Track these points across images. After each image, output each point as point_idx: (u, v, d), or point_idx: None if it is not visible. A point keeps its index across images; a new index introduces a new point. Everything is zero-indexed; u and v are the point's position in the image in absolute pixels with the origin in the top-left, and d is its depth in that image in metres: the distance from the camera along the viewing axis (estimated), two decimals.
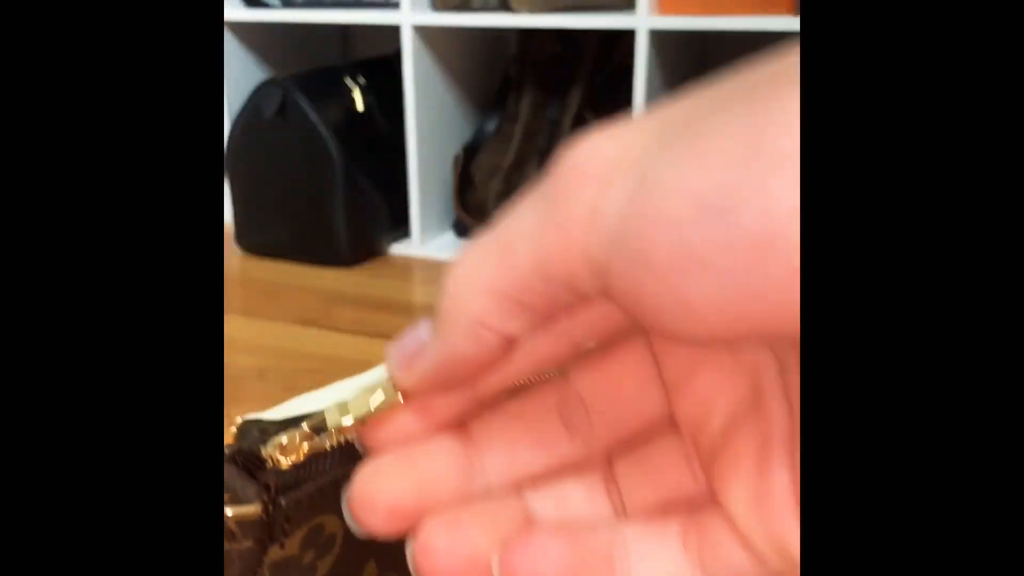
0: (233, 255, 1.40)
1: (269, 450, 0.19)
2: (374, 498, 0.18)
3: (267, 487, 0.19)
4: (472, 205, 1.41)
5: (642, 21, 1.16)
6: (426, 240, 1.42)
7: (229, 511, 0.18)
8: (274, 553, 0.19)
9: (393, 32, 1.34)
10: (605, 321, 0.18)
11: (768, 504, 0.16)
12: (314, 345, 1.06)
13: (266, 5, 1.41)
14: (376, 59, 1.46)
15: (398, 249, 1.43)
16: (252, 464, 0.20)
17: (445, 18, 1.28)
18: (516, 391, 0.19)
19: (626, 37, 1.29)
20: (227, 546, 0.19)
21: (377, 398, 0.17)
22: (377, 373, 0.22)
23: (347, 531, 0.20)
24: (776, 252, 0.13)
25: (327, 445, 0.19)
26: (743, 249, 0.13)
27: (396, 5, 1.31)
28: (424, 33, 1.32)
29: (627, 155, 0.14)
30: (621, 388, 0.19)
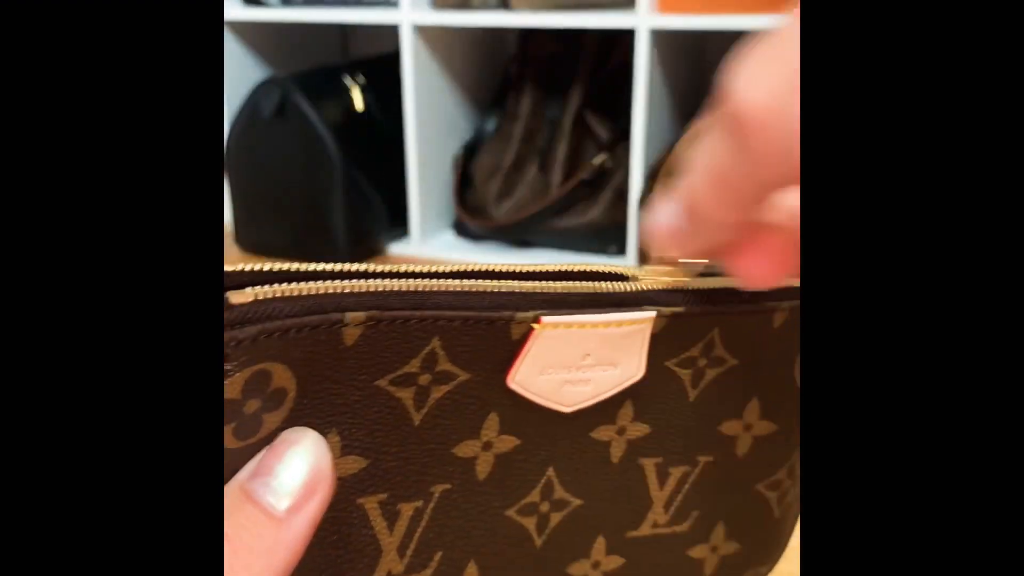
0: (232, 255, 1.40)
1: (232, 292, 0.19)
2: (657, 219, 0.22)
3: None
4: (472, 205, 1.41)
5: (642, 20, 1.16)
6: (425, 239, 1.42)
7: None
8: None
9: (392, 31, 1.34)
10: None
11: None
12: None
13: (265, 4, 1.41)
14: (375, 58, 1.46)
15: (397, 249, 1.43)
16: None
17: (445, 17, 1.28)
18: None
19: (626, 36, 1.29)
20: None
21: None
22: None
23: (300, 391, 0.20)
24: None
25: (289, 292, 0.19)
26: None
27: (395, 4, 1.31)
28: (423, 32, 1.31)
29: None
30: None
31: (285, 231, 1.37)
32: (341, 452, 0.21)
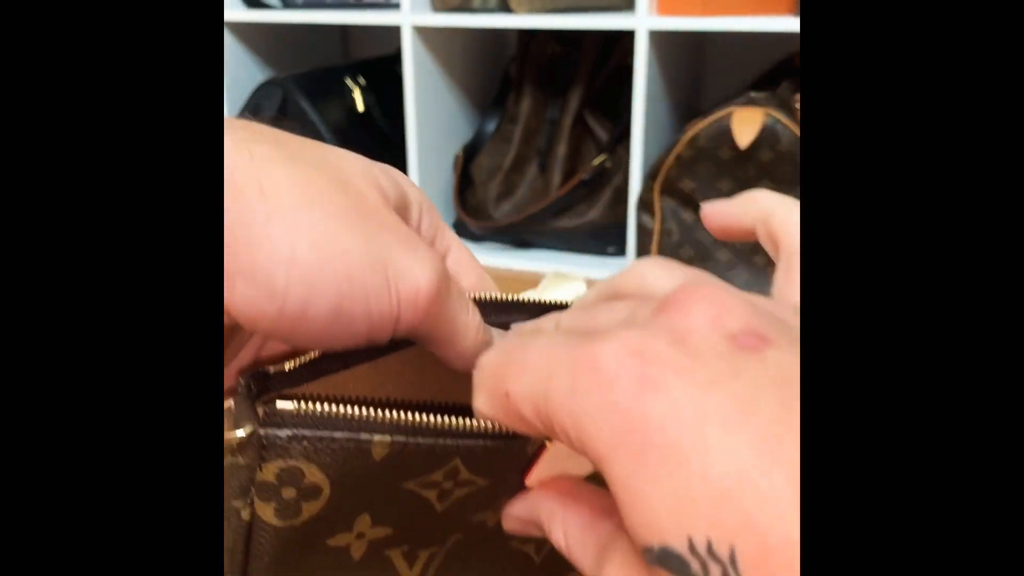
0: None
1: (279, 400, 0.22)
2: None
3: (258, 419, 0.22)
4: (472, 205, 1.41)
5: (642, 21, 1.16)
6: None
7: (232, 433, 0.22)
8: (258, 474, 0.22)
9: (393, 32, 1.34)
10: None
11: None
12: None
13: (266, 5, 1.41)
14: (376, 59, 1.46)
15: None
16: (258, 395, 0.22)
17: (445, 19, 1.28)
18: None
19: (626, 37, 1.29)
20: (231, 460, 0.22)
21: None
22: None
23: (335, 488, 0.22)
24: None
25: (326, 412, 0.22)
26: None
27: (396, 6, 1.31)
28: (424, 34, 1.32)
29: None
30: None
31: None
32: (372, 524, 0.24)
